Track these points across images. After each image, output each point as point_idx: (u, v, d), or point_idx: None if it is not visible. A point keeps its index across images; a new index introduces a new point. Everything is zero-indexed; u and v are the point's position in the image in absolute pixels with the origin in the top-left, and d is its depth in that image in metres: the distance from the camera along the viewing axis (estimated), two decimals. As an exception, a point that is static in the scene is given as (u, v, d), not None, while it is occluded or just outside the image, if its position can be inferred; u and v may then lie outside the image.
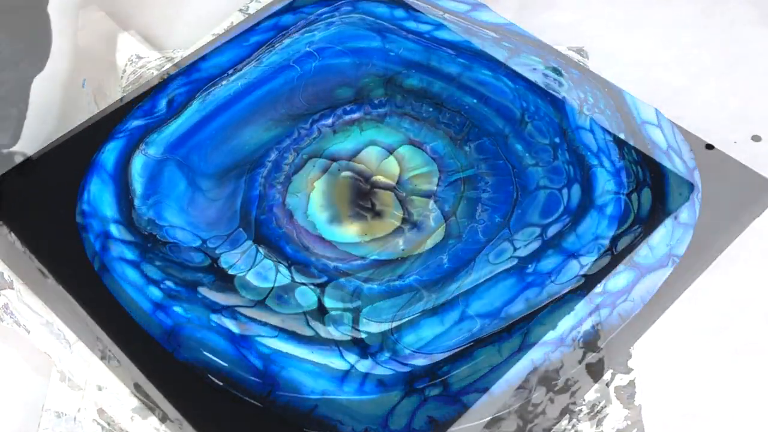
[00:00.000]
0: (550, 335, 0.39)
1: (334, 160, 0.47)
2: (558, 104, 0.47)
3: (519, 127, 0.45)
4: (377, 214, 0.45)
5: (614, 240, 0.42)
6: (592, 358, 0.43)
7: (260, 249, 0.43)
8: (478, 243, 0.43)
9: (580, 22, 0.57)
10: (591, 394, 0.41)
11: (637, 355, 0.42)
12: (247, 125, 0.48)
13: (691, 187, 0.42)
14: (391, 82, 0.49)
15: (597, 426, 0.40)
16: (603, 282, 0.40)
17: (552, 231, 0.42)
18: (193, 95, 0.49)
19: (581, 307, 0.40)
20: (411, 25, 0.51)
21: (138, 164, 0.47)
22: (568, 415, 0.41)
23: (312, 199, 0.46)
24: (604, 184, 0.43)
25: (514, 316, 0.39)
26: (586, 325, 0.39)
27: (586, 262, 0.41)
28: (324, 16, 0.52)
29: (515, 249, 0.41)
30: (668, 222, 0.42)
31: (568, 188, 0.44)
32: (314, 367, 0.39)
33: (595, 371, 0.42)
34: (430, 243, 0.43)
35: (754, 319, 0.44)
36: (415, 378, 0.38)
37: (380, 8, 0.52)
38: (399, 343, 0.39)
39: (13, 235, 0.44)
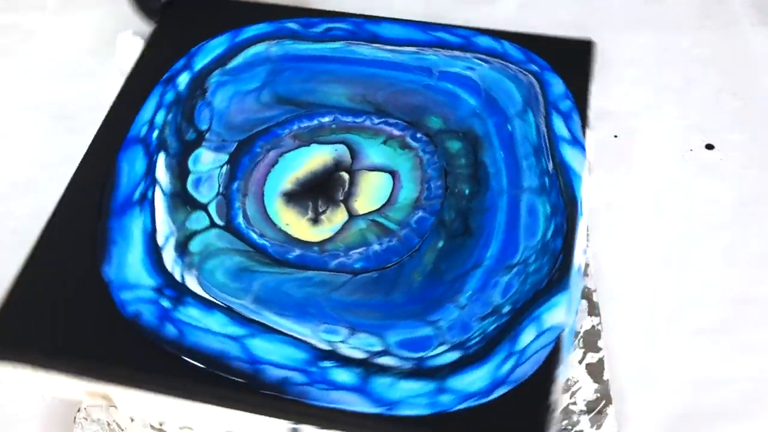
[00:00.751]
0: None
1: (353, 158, 0.46)
2: None
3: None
4: (314, 220, 0.44)
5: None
6: (592, 358, 0.43)
7: (224, 168, 0.45)
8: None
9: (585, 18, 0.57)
10: (591, 394, 0.41)
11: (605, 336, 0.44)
12: (342, 85, 0.49)
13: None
14: (473, 143, 0.47)
15: (570, 397, 0.41)
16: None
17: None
18: (348, 37, 0.51)
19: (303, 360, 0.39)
20: (557, 121, 0.48)
21: (255, 49, 0.51)
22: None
23: (298, 168, 0.46)
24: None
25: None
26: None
27: None
28: (511, 58, 0.51)
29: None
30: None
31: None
32: None
33: (595, 371, 0.42)
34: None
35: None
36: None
37: (557, 87, 0.49)
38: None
39: None
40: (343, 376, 0.37)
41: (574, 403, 0.41)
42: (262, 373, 0.37)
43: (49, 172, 0.52)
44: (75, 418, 0.41)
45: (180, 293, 0.40)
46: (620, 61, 0.57)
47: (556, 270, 0.39)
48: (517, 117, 0.47)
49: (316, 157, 0.46)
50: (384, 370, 0.37)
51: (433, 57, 0.50)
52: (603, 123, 0.53)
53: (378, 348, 0.38)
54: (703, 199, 0.49)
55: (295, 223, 0.43)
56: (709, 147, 0.52)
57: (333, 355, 0.38)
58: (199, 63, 0.49)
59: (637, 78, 0.56)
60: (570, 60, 0.48)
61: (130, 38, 0.56)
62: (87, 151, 0.45)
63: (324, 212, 0.44)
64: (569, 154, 0.44)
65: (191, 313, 0.39)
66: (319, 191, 0.44)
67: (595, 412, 0.41)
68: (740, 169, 0.51)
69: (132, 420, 0.41)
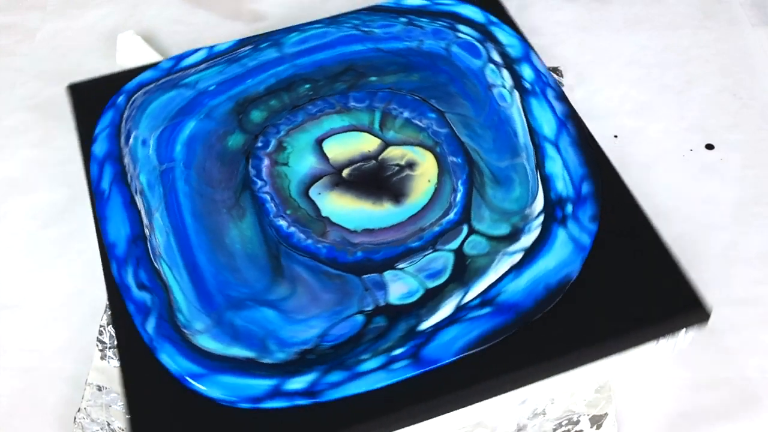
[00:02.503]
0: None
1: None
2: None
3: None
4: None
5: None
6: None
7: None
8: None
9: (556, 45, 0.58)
10: (591, 394, 0.41)
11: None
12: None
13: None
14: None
15: (570, 397, 0.41)
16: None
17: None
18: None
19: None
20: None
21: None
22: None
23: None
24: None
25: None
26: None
27: None
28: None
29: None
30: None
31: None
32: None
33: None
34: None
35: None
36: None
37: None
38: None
39: None
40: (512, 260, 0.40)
41: (574, 403, 0.41)
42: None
43: (49, 172, 0.52)
44: (75, 418, 0.41)
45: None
46: (620, 61, 0.57)
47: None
48: (455, 44, 0.50)
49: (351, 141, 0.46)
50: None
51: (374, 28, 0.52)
52: (603, 123, 0.53)
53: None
54: (703, 199, 0.49)
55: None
56: (709, 147, 0.52)
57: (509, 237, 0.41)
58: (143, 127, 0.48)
59: (637, 78, 0.56)
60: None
61: (130, 38, 0.56)
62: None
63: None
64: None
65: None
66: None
67: (595, 412, 0.41)
68: (740, 169, 0.51)
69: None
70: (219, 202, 0.43)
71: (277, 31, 0.52)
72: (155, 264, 0.41)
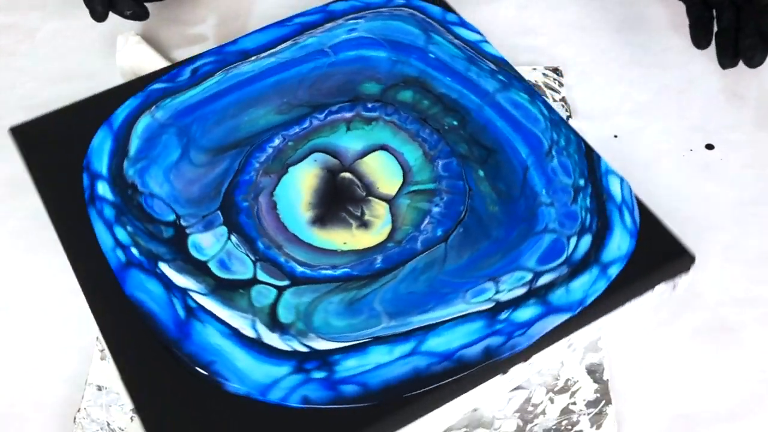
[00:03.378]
0: (440, 347, 0.38)
1: (338, 158, 0.45)
2: (586, 144, 0.45)
3: (544, 160, 0.44)
4: (364, 225, 0.43)
5: (538, 274, 0.40)
6: (592, 358, 0.43)
7: (232, 237, 0.42)
8: (413, 250, 0.41)
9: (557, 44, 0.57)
10: (591, 394, 0.41)
11: (605, 337, 0.44)
12: (260, 105, 0.47)
13: (632, 244, 0.41)
14: (420, 85, 0.48)
15: (570, 397, 0.41)
16: (509, 310, 0.39)
17: (544, 280, 0.40)
18: (220, 68, 0.48)
19: (479, 328, 0.39)
20: (460, 31, 0.50)
21: (142, 125, 0.46)
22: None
23: (301, 196, 0.44)
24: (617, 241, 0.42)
25: (467, 361, 0.37)
26: (477, 347, 0.38)
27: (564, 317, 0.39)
28: (373, 5, 0.51)
29: (497, 292, 0.40)
30: (595, 270, 0.40)
31: (578, 237, 0.41)
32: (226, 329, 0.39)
33: (595, 371, 0.42)
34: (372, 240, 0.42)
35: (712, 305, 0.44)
36: (307, 359, 0.38)
37: (433, 8, 0.51)
38: (336, 360, 0.38)
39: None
40: (525, 313, 0.39)
41: (574, 403, 0.41)
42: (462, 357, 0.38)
43: (49, 172, 0.52)
44: (75, 418, 0.41)
45: (321, 358, 0.38)
46: (620, 61, 0.57)
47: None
48: (428, 44, 0.49)
49: (305, 177, 0.44)
50: (551, 285, 0.39)
51: (312, 39, 0.49)
52: (603, 123, 0.53)
53: (529, 276, 0.40)
54: (703, 199, 0.49)
55: (350, 238, 0.42)
56: (709, 147, 0.52)
57: (505, 305, 0.39)
58: (102, 166, 0.45)
59: (637, 78, 0.56)
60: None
61: (130, 38, 0.56)
62: (89, 308, 0.40)
63: (364, 214, 0.43)
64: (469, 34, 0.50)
65: (351, 364, 0.38)
66: (339, 201, 0.43)
67: (595, 412, 0.41)
68: (740, 169, 0.51)
69: (132, 420, 0.41)
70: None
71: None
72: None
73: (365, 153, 0.45)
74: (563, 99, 0.54)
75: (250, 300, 0.40)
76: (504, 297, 0.39)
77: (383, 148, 0.45)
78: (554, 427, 0.40)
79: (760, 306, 0.45)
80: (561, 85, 0.55)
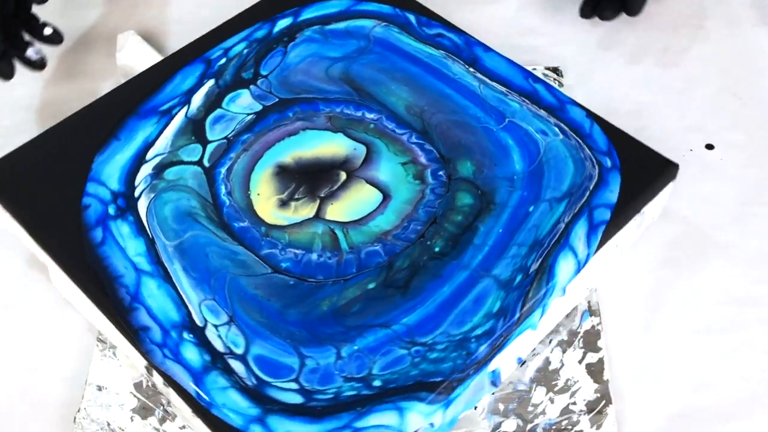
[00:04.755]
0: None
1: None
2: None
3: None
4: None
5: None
6: (592, 358, 0.43)
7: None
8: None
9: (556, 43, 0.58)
10: (591, 394, 0.41)
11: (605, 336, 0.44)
12: None
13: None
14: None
15: (570, 397, 0.41)
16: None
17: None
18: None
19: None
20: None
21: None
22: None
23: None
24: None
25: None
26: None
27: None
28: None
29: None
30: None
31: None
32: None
33: (595, 371, 0.42)
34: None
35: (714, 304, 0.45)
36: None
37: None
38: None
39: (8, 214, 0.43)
40: (192, 354, 0.37)
41: (574, 403, 0.41)
42: (135, 312, 0.38)
43: (49, 172, 0.52)
44: (75, 418, 0.41)
45: (127, 208, 0.41)
46: (620, 61, 0.57)
47: (455, 375, 0.36)
48: (548, 202, 0.42)
49: (332, 146, 0.45)
50: (228, 372, 0.36)
51: (516, 105, 0.45)
52: (603, 123, 0.53)
53: (239, 351, 0.37)
54: (703, 199, 0.49)
55: (264, 197, 0.43)
56: (709, 147, 0.52)
57: (198, 333, 0.37)
58: (306, 14, 0.50)
59: (637, 78, 0.56)
60: (642, 173, 0.43)
61: (130, 38, 0.56)
62: (163, 59, 0.49)
63: (298, 200, 0.43)
64: (563, 266, 0.39)
65: (122, 230, 0.41)
66: (309, 179, 0.43)
67: (595, 412, 0.41)
68: (740, 169, 0.51)
69: (132, 420, 0.41)
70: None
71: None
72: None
73: (374, 184, 0.44)
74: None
75: (184, 145, 0.44)
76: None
77: (386, 196, 0.43)
78: (554, 427, 0.40)
79: (760, 306, 0.45)
80: (561, 85, 0.55)
